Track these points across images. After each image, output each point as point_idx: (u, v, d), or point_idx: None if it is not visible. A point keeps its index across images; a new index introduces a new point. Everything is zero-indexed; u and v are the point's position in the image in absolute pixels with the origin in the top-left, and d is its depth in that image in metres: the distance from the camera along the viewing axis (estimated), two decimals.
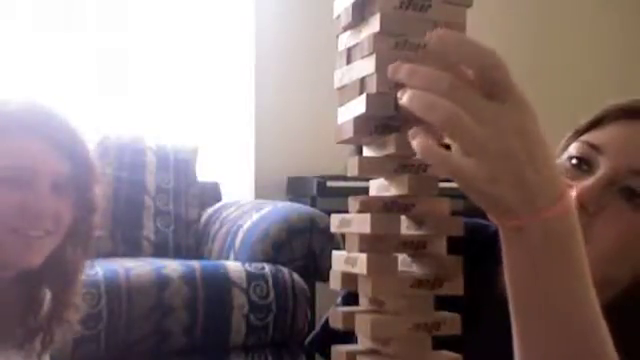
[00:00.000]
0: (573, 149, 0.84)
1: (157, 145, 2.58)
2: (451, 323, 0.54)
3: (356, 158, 0.55)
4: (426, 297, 0.54)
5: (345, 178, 2.82)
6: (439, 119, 0.52)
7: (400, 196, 0.55)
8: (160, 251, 2.40)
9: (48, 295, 1.17)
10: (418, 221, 0.56)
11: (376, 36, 0.53)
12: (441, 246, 0.56)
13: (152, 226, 2.43)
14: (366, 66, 0.54)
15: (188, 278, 1.90)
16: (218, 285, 1.93)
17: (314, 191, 2.71)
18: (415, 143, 0.53)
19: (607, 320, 0.62)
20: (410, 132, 0.53)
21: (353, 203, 0.55)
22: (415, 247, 0.55)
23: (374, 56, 0.53)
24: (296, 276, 2.05)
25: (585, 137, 0.85)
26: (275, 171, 3.00)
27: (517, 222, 0.56)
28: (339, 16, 0.58)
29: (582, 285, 0.59)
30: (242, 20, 3.04)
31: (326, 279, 2.54)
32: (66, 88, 2.73)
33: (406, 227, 0.57)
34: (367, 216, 0.53)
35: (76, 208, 1.14)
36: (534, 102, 0.56)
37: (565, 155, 0.85)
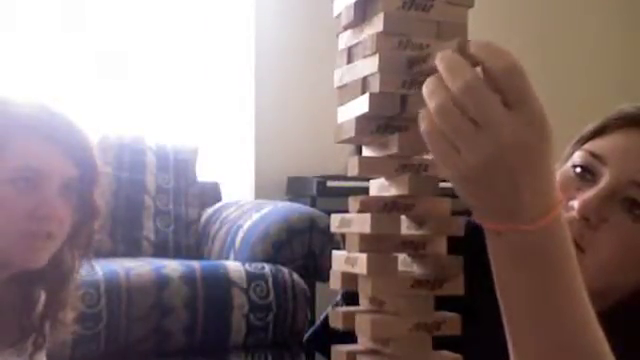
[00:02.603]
0: (577, 158, 0.84)
1: (157, 145, 2.58)
2: (451, 323, 0.54)
3: (356, 158, 0.55)
4: (426, 297, 0.54)
5: (345, 178, 2.81)
6: (432, 106, 0.52)
7: (400, 196, 0.55)
8: (160, 251, 2.40)
9: (43, 295, 1.18)
10: (418, 221, 0.56)
11: (379, 36, 0.53)
12: (441, 246, 0.56)
13: (152, 226, 2.43)
14: (369, 65, 0.54)
15: (188, 278, 1.90)
16: (218, 285, 1.93)
17: (314, 191, 2.71)
18: (420, 118, 0.53)
19: (612, 323, 0.63)
20: (421, 111, 0.53)
21: (353, 203, 0.55)
22: (415, 247, 0.55)
23: (377, 56, 0.53)
24: (296, 276, 2.05)
25: (589, 146, 0.85)
26: (275, 171, 2.99)
27: (494, 227, 0.56)
28: (339, 15, 0.58)
29: (563, 296, 0.58)
30: (242, 20, 3.04)
31: (326, 279, 2.53)
32: (66, 88, 2.73)
33: (406, 227, 0.56)
34: (367, 216, 0.53)
35: (79, 212, 1.14)
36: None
37: (570, 163, 0.85)
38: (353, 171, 0.55)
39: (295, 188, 2.93)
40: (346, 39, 0.58)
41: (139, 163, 2.50)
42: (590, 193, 0.80)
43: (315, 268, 2.16)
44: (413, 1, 0.53)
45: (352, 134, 0.55)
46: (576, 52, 3.67)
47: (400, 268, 0.56)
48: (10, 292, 1.13)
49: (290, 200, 2.81)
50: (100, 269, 1.84)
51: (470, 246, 0.58)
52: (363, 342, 0.56)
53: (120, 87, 2.84)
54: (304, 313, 2.04)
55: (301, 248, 2.13)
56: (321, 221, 2.15)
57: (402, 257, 0.56)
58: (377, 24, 0.53)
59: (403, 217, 0.56)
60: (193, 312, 1.88)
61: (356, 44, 0.57)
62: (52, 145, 1.10)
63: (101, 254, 2.26)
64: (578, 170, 0.84)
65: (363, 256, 0.53)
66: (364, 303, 0.57)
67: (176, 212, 2.50)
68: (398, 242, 0.55)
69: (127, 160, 2.48)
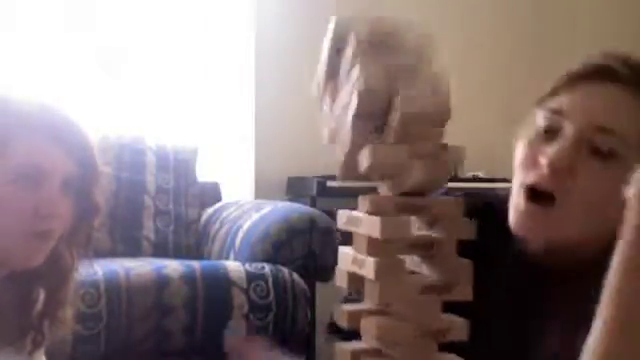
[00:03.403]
0: (540, 119, 0.87)
1: (157, 145, 2.58)
2: (458, 329, 0.53)
3: (370, 147, 0.55)
4: (434, 302, 0.54)
5: None
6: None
7: (412, 197, 0.54)
8: (160, 251, 2.40)
9: (42, 294, 1.18)
10: (430, 222, 0.56)
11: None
12: (451, 248, 0.55)
13: (152, 226, 2.43)
14: (353, 77, 0.55)
15: (188, 278, 1.90)
16: (218, 285, 1.93)
17: (314, 191, 2.71)
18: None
19: (582, 279, 0.75)
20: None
21: (363, 202, 0.55)
22: (424, 249, 0.55)
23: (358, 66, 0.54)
24: (296, 276, 2.05)
25: (549, 104, 0.87)
26: (275, 171, 2.99)
27: None
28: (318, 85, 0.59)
29: None
30: (242, 20, 3.04)
31: (326, 279, 2.53)
32: (66, 88, 2.72)
33: (417, 228, 0.56)
34: (377, 220, 0.52)
35: (79, 209, 1.14)
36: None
37: (534, 127, 0.88)
38: (368, 161, 0.55)
39: (295, 188, 2.93)
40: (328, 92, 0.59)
41: (139, 163, 2.50)
42: (555, 145, 0.83)
43: (315, 268, 2.15)
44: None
45: (350, 140, 0.56)
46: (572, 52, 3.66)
47: (409, 268, 0.55)
48: (8, 290, 1.13)
49: (290, 200, 2.81)
50: (100, 269, 1.84)
51: (479, 250, 0.59)
52: (368, 341, 0.56)
53: (120, 87, 2.84)
54: (304, 313, 2.04)
55: (301, 248, 2.13)
56: (321, 221, 2.14)
57: (411, 257, 0.56)
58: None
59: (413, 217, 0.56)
60: (193, 312, 1.87)
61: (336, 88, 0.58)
62: (54, 143, 1.10)
63: (101, 254, 2.26)
64: (542, 132, 0.86)
65: (371, 260, 0.52)
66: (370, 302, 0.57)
67: (176, 212, 2.50)
68: (407, 244, 0.54)
69: (127, 160, 2.48)
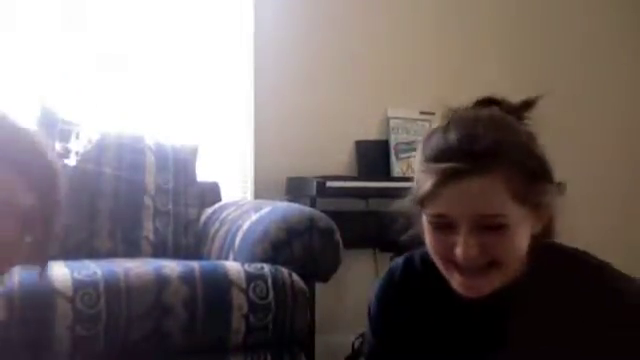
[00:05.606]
0: (431, 219, 1.07)
1: (156, 145, 2.58)
2: None
3: None
4: None
5: (344, 178, 2.82)
6: None
7: None
8: (159, 251, 2.40)
9: None
10: None
11: None
12: None
13: (151, 226, 2.43)
14: None
15: (187, 278, 1.90)
16: (217, 285, 1.93)
17: (313, 191, 2.71)
18: None
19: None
20: None
21: None
22: None
23: None
24: (295, 276, 2.04)
25: (433, 209, 1.06)
26: (274, 171, 2.99)
27: None
28: None
29: None
30: (241, 20, 3.04)
31: (325, 279, 2.53)
32: (66, 87, 2.73)
33: None
34: None
35: (36, 241, 1.06)
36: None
37: (424, 223, 1.09)
38: None
39: (294, 188, 2.93)
40: None
41: (138, 163, 2.50)
42: (459, 238, 1.04)
43: (314, 268, 2.15)
44: None
45: None
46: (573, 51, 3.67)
47: None
48: None
49: (289, 200, 2.81)
50: (99, 269, 1.84)
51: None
52: None
53: (120, 87, 2.84)
54: (303, 313, 2.04)
55: (301, 248, 2.13)
56: (321, 221, 2.14)
57: None
58: None
59: None
60: (192, 312, 1.87)
61: None
62: (17, 175, 1.00)
63: (100, 254, 2.26)
64: (437, 229, 1.07)
65: None
66: None
67: (175, 212, 2.50)
68: None
69: (126, 160, 2.48)
